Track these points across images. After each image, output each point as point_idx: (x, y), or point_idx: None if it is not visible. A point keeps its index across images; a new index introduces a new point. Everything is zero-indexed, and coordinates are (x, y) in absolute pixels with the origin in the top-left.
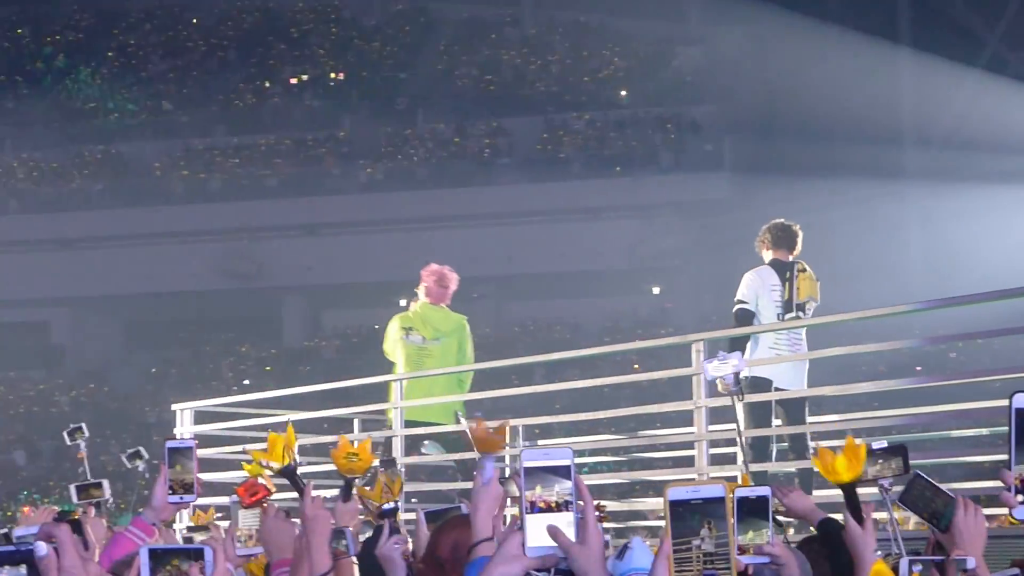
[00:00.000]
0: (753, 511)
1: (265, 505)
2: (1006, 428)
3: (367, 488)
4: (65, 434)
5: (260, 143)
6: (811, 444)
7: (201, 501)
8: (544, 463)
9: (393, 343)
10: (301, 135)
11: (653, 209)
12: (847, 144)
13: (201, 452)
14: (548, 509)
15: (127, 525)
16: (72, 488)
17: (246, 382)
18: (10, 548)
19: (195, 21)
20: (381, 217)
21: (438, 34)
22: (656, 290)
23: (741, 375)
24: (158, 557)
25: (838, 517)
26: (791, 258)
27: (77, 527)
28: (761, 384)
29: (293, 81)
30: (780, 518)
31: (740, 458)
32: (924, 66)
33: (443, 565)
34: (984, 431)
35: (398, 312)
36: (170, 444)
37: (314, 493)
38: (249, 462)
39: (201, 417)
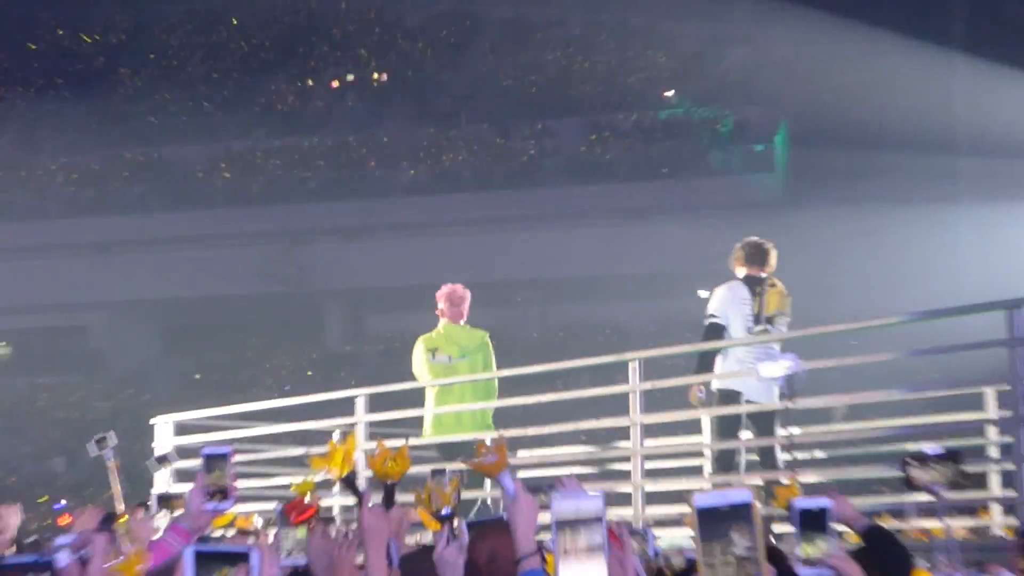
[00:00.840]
0: (813, 522)
1: (313, 524)
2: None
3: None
4: (90, 445)
5: (302, 145)
6: (780, 457)
7: (242, 508)
8: (575, 515)
9: (421, 365)
10: (343, 137)
11: (701, 211)
12: (899, 147)
13: (187, 464)
14: (580, 557)
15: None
16: (154, 496)
17: (287, 387)
18: (29, 558)
19: (235, 22)
20: (424, 220)
21: (482, 35)
22: (704, 293)
23: (712, 387)
24: (204, 560)
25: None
26: (763, 274)
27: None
28: (731, 397)
29: (335, 83)
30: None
31: (707, 470)
32: (978, 69)
33: (480, 572)
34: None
35: (432, 325)
36: (207, 451)
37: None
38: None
39: (185, 430)
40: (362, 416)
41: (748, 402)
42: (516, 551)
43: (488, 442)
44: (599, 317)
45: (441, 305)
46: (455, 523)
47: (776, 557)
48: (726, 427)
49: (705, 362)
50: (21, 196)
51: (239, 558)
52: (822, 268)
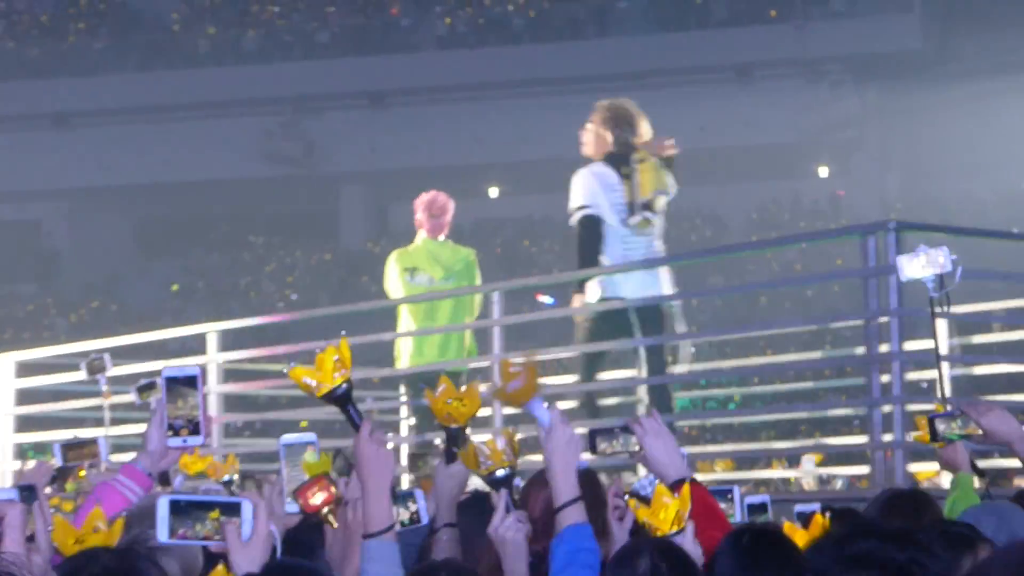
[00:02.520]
0: None
1: (331, 514)
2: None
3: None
4: (135, 391)
5: None
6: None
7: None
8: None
9: (397, 286)
10: None
11: (821, 65)
12: None
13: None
14: None
15: (115, 475)
16: (56, 447)
17: (293, 296)
18: None
19: None
20: (464, 81)
21: None
22: (824, 171)
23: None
24: (181, 511)
25: None
26: (633, 148)
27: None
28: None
29: None
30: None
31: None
32: None
33: (536, 525)
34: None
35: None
36: (168, 373)
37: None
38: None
39: (30, 370)
40: (215, 356)
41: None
42: (554, 497)
43: (512, 363)
44: (688, 202)
45: (419, 215)
46: (512, 488)
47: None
48: (607, 337)
49: (590, 264)
50: None
51: (227, 509)
52: (967, 140)
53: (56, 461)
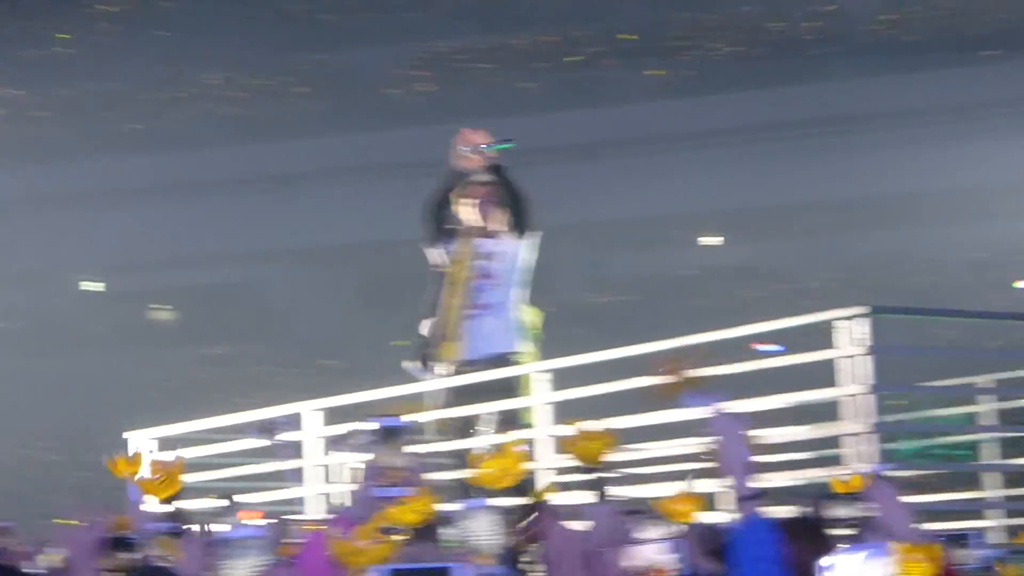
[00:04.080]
0: None
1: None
2: None
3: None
4: (330, 441)
5: (516, 43)
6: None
7: None
8: None
9: None
10: (569, 30)
11: None
12: None
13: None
14: None
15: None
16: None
17: None
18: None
19: None
20: (674, 131)
21: None
22: None
23: None
24: None
25: None
26: None
27: None
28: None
29: None
30: None
31: None
32: None
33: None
34: None
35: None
36: (382, 423)
37: None
38: None
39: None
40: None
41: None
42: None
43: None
44: (906, 246)
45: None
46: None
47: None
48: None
49: None
50: (173, 121)
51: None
52: None
53: None
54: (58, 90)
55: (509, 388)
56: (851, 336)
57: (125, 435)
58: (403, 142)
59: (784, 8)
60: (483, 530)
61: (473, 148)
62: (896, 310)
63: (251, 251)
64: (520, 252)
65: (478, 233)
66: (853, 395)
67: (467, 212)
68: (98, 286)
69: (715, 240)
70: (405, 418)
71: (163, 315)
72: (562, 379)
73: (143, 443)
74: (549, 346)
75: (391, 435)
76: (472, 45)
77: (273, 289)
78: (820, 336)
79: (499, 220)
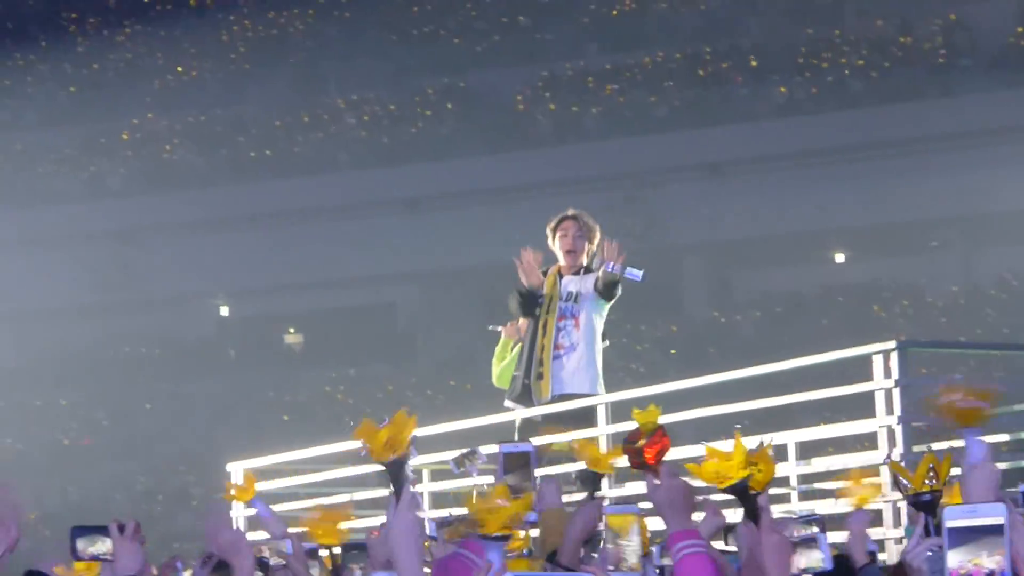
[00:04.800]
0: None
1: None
2: None
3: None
4: (452, 463)
5: (643, 62)
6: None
7: None
8: (969, 522)
9: None
10: (696, 47)
11: None
12: None
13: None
14: None
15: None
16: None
17: (641, 370)
18: None
19: None
20: (802, 147)
21: None
22: None
23: None
24: None
25: None
26: None
27: None
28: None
29: None
30: None
31: None
32: None
33: None
34: None
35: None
36: (505, 448)
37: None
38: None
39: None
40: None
41: None
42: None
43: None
44: None
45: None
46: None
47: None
48: None
49: None
50: (303, 145)
51: None
52: None
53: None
54: (188, 116)
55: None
56: (884, 368)
57: (228, 466)
58: (530, 164)
59: (914, 22)
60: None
61: (603, 262)
62: (926, 344)
63: (380, 273)
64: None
65: (566, 270)
66: (884, 426)
67: (558, 246)
68: (228, 310)
69: (842, 257)
70: (534, 442)
71: (293, 338)
72: (696, 399)
73: (242, 472)
74: (677, 363)
75: (518, 460)
76: (598, 65)
77: (402, 311)
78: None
79: (587, 255)
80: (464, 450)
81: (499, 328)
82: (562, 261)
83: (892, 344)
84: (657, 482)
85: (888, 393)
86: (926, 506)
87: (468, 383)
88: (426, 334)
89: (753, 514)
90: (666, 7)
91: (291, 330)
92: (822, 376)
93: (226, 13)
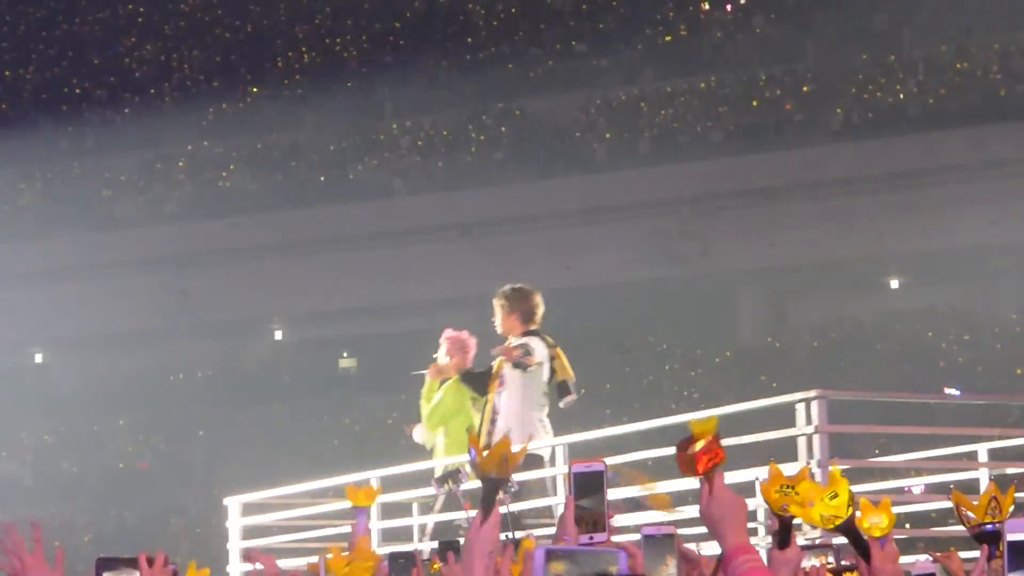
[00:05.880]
0: None
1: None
2: None
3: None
4: (435, 482)
5: (699, 87)
6: None
7: None
8: None
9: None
10: (751, 73)
11: None
12: None
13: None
14: None
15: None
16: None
17: (695, 395)
18: None
19: None
20: (859, 173)
21: None
22: None
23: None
24: None
25: None
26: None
27: None
28: (535, 461)
29: (731, 5)
30: None
31: None
32: None
33: None
34: None
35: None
36: (577, 469)
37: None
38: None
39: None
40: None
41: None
42: None
43: None
44: None
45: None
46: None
47: None
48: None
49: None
50: (357, 169)
51: None
52: None
53: None
54: (245, 142)
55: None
56: (807, 416)
57: (225, 501)
58: (580, 191)
59: (970, 47)
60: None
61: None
62: (843, 393)
63: (434, 299)
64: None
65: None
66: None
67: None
68: (282, 334)
69: (898, 283)
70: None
71: (347, 362)
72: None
73: (237, 508)
74: (732, 390)
75: (590, 481)
76: (653, 91)
77: None
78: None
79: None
80: (449, 471)
81: (424, 372)
82: None
83: (813, 393)
84: (711, 494)
85: (809, 439)
86: (989, 537)
87: None
88: (481, 360)
89: (865, 551)
90: (721, 33)
91: (345, 354)
92: (761, 422)
93: (283, 39)
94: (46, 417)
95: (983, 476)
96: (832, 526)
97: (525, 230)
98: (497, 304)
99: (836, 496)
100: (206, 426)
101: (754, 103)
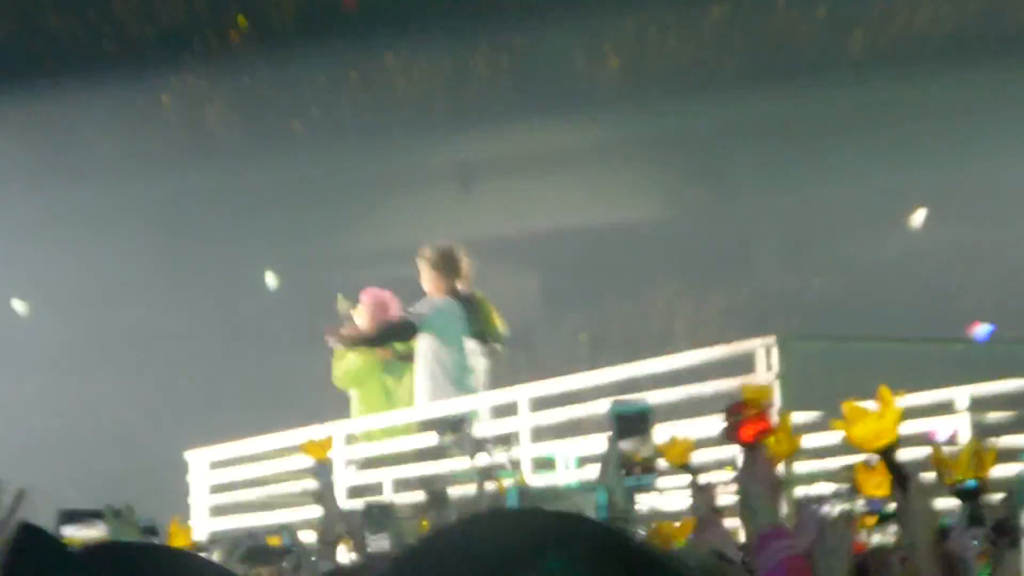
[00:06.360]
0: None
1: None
2: None
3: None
4: (440, 434)
5: (707, 17)
6: None
7: None
8: None
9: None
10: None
11: None
12: None
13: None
14: None
15: None
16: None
17: (709, 336)
18: None
19: None
20: (877, 108)
21: None
22: None
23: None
24: None
25: None
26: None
27: None
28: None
29: None
30: None
31: None
32: None
33: None
34: None
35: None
36: (619, 409)
37: None
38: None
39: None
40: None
41: None
42: None
43: None
44: None
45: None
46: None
47: None
48: None
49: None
50: (348, 112)
51: None
52: None
53: None
54: (233, 82)
55: None
56: (766, 363)
57: (186, 455)
58: (589, 126)
59: None
60: None
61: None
62: (809, 337)
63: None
64: None
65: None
66: None
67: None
68: (276, 281)
69: (921, 220)
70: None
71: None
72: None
73: (202, 463)
74: (745, 330)
75: (635, 421)
76: (661, 19)
77: None
78: None
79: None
80: (454, 422)
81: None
82: None
83: (772, 339)
84: (753, 464)
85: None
86: (969, 495)
87: (523, 354)
88: None
89: (903, 479)
90: None
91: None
92: (718, 369)
93: None
94: (28, 371)
95: (964, 424)
96: (876, 447)
97: (524, 171)
98: (420, 263)
99: (883, 417)
100: (194, 379)
101: (770, 33)
